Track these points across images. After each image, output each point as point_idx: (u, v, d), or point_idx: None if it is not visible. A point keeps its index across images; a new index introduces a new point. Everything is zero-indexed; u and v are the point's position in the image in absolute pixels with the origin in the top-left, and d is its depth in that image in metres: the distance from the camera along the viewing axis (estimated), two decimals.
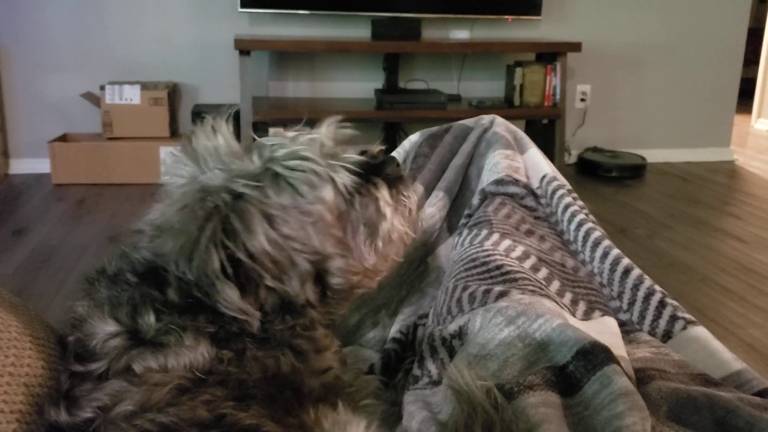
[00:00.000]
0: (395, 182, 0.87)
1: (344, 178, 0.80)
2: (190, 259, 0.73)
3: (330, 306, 0.84)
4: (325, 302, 0.83)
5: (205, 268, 0.72)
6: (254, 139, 0.84)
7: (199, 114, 3.61)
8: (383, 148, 0.90)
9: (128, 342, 0.72)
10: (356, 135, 0.88)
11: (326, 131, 0.85)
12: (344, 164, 0.81)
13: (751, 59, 5.49)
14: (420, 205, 0.93)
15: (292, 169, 0.77)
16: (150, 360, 0.71)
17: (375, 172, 0.86)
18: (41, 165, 3.72)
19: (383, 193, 0.85)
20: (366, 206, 0.83)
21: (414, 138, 1.51)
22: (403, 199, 0.88)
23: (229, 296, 0.73)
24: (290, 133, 0.84)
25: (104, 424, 0.68)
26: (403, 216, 0.87)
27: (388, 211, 0.85)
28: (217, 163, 0.79)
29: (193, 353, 0.72)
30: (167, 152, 3.59)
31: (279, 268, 0.76)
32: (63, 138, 3.69)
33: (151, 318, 0.73)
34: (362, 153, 0.87)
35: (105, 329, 0.73)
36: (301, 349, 0.80)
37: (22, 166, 3.80)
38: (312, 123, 0.88)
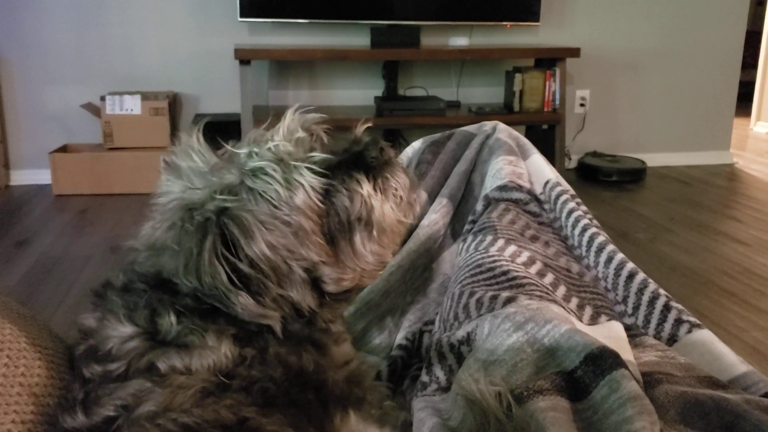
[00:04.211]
0: (380, 169, 0.83)
1: (313, 182, 0.78)
2: (197, 275, 0.73)
3: (332, 307, 0.84)
4: (326, 305, 0.82)
5: (214, 282, 0.73)
6: (225, 148, 0.82)
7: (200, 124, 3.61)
8: (368, 125, 0.86)
9: (147, 343, 0.73)
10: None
11: (290, 124, 0.82)
12: (310, 166, 0.79)
13: (750, 62, 5.50)
14: (413, 188, 0.88)
15: (263, 182, 0.76)
16: (175, 359, 0.71)
17: (356, 160, 0.82)
18: (42, 176, 3.72)
19: (365, 187, 0.81)
20: (352, 200, 0.80)
21: (416, 145, 1.52)
22: (392, 185, 0.83)
23: (244, 304, 0.73)
24: (257, 134, 0.82)
25: (126, 424, 0.67)
26: (394, 202, 0.83)
27: (374, 201, 0.81)
28: (199, 178, 0.79)
29: (216, 354, 0.72)
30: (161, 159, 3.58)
31: (278, 273, 0.76)
32: (64, 149, 3.69)
33: (172, 318, 0.73)
34: (346, 138, 0.84)
35: (122, 331, 0.74)
36: (322, 343, 0.80)
37: (23, 177, 3.80)
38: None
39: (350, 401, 0.75)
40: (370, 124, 0.86)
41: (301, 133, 0.82)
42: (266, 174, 0.77)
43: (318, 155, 0.81)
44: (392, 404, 0.90)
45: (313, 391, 0.75)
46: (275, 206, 0.76)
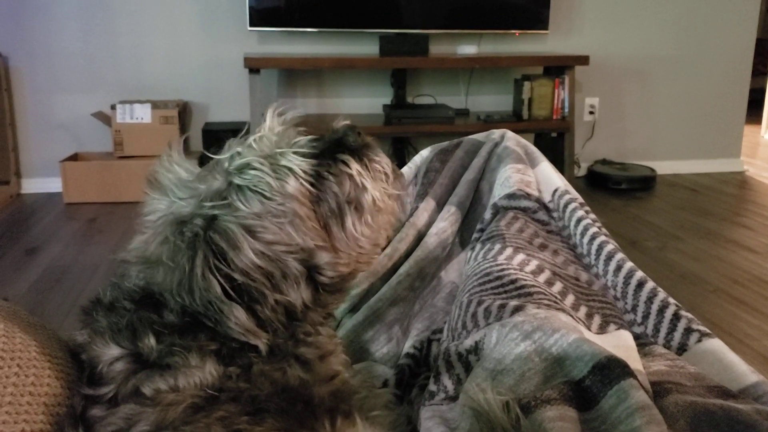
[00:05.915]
0: (362, 151, 0.83)
1: (302, 164, 0.78)
2: (191, 291, 0.72)
3: (326, 302, 0.83)
4: (320, 300, 0.81)
5: (208, 296, 0.72)
6: (210, 158, 0.82)
7: (209, 132, 3.63)
8: (346, 122, 0.86)
9: (133, 365, 0.72)
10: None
11: (270, 123, 0.83)
12: (296, 150, 0.79)
13: (760, 70, 5.49)
14: (398, 177, 0.87)
15: (252, 176, 0.76)
16: (159, 382, 0.71)
17: (338, 146, 0.82)
18: (53, 184, 3.75)
19: (353, 166, 0.81)
20: (341, 185, 0.80)
21: (425, 153, 1.52)
22: (376, 165, 0.83)
23: (239, 318, 0.72)
24: (237, 141, 0.82)
25: None
26: (383, 181, 0.84)
27: (366, 182, 0.81)
28: (184, 190, 0.78)
29: (201, 372, 0.72)
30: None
31: (274, 279, 0.75)
32: (74, 157, 3.71)
33: (151, 340, 0.73)
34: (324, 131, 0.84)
35: (108, 353, 0.74)
36: (306, 358, 0.79)
37: (33, 185, 3.82)
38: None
39: (339, 413, 0.75)
40: (347, 122, 0.86)
41: (282, 127, 0.83)
42: (254, 168, 0.76)
43: (302, 140, 0.81)
44: (382, 413, 0.89)
45: (302, 403, 0.74)
46: (268, 197, 0.75)
